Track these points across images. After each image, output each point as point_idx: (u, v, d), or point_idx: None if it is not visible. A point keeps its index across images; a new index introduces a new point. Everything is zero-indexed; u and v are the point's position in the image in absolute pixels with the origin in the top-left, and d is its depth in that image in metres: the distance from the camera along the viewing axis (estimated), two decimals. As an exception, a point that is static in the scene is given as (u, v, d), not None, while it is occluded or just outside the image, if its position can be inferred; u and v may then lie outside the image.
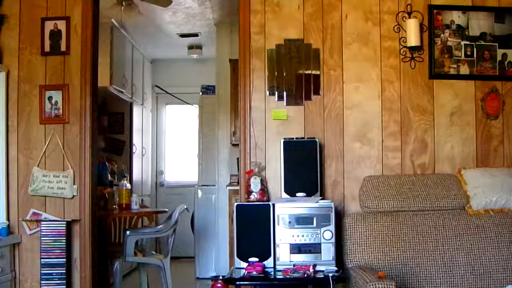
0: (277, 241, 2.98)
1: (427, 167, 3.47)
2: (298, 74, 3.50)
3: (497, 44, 3.53)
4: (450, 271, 2.97)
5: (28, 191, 3.50)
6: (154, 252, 5.12)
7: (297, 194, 3.21)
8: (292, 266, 2.81)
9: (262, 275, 2.80)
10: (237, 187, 3.61)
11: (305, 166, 3.26)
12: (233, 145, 5.62)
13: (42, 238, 3.39)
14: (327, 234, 2.96)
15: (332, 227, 2.98)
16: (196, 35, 6.59)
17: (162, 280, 4.39)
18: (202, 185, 6.05)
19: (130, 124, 6.56)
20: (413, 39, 3.43)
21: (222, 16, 5.80)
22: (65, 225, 3.40)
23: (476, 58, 3.52)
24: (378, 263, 2.99)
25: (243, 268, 2.90)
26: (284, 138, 3.30)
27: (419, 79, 3.51)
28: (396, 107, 3.49)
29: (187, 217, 6.26)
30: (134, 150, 6.59)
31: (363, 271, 2.77)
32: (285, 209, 3.01)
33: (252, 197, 3.26)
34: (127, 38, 6.24)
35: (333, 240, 2.97)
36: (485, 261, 2.99)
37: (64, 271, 3.38)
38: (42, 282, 3.37)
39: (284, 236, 2.98)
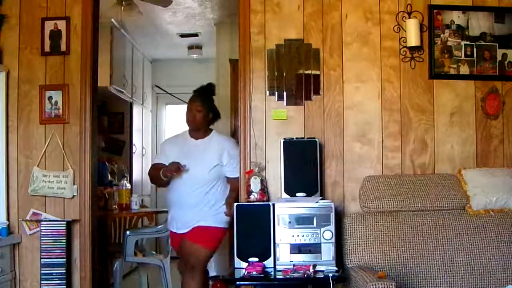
0: (277, 241, 2.98)
1: (427, 167, 3.47)
2: (298, 74, 3.50)
3: (497, 44, 3.53)
4: (450, 271, 2.97)
5: (28, 191, 3.50)
6: (154, 252, 5.12)
7: (297, 194, 3.21)
8: (292, 266, 2.81)
9: (262, 275, 2.80)
10: (237, 187, 3.62)
11: (305, 166, 3.26)
12: (233, 145, 5.61)
13: (42, 238, 3.39)
14: (327, 234, 2.96)
15: (332, 227, 2.98)
16: (196, 35, 6.59)
17: (162, 280, 4.39)
18: (202, 185, 6.03)
19: (130, 124, 6.55)
20: (413, 39, 3.43)
21: (222, 16, 5.80)
22: (65, 225, 3.40)
23: (476, 58, 3.52)
24: (378, 263, 2.99)
25: (243, 268, 2.90)
26: (284, 138, 3.30)
27: (419, 79, 3.51)
28: (396, 107, 3.49)
29: (187, 217, 6.24)
30: (134, 150, 6.59)
31: (363, 271, 2.77)
32: (285, 209, 3.01)
33: (252, 197, 3.26)
34: (127, 38, 6.24)
35: (333, 240, 2.97)
36: (485, 261, 2.99)
37: (64, 271, 3.38)
38: (42, 282, 3.37)
39: (284, 236, 2.98)
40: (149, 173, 3.75)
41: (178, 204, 3.55)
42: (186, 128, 3.77)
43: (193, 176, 3.47)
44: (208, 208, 3.49)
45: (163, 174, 3.42)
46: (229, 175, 3.60)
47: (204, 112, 3.60)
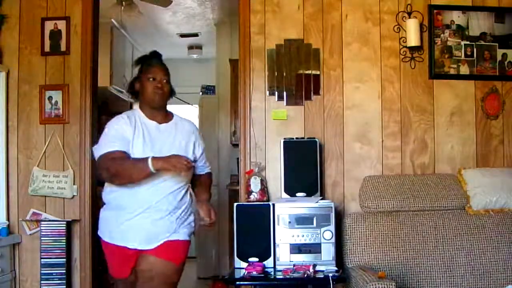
0: (277, 241, 2.98)
1: (427, 167, 3.47)
2: (298, 74, 3.50)
3: (497, 44, 3.53)
4: (450, 271, 2.97)
5: (28, 191, 3.50)
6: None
7: (297, 194, 3.21)
8: (292, 266, 2.81)
9: (262, 275, 2.80)
10: (237, 187, 3.61)
11: (305, 166, 3.26)
12: (233, 145, 5.62)
13: (42, 238, 3.39)
14: (327, 234, 2.96)
15: (332, 227, 2.98)
16: (196, 35, 6.59)
17: (162, 280, 4.37)
18: (202, 185, 6.04)
19: (130, 124, 6.53)
20: (413, 39, 3.43)
21: (222, 16, 5.80)
22: (65, 225, 3.40)
23: (476, 58, 3.52)
24: (378, 263, 2.99)
25: (243, 268, 2.90)
26: (284, 138, 3.30)
27: (419, 79, 3.51)
28: (396, 107, 3.49)
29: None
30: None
31: (363, 271, 2.77)
32: (285, 209, 3.01)
33: (252, 197, 3.26)
34: (127, 38, 6.23)
35: (333, 240, 2.97)
36: (485, 261, 2.99)
37: (64, 271, 3.38)
38: (42, 282, 3.37)
39: (284, 236, 2.98)
40: (113, 167, 2.47)
41: (142, 211, 2.49)
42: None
43: (164, 175, 2.50)
44: (179, 216, 2.57)
45: (170, 165, 2.35)
46: (200, 171, 2.80)
47: (169, 85, 2.67)
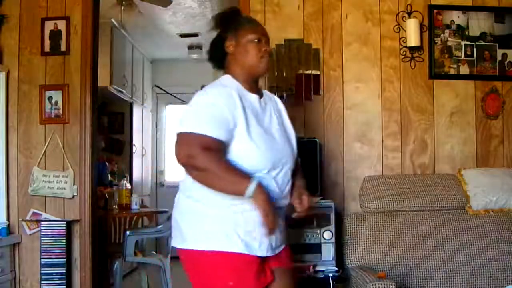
0: (277, 241, 2.97)
1: (427, 167, 3.47)
2: (298, 74, 3.50)
3: (497, 44, 3.53)
4: (450, 271, 2.97)
5: (28, 191, 3.50)
6: (154, 252, 5.12)
7: (297, 194, 3.21)
8: (292, 266, 2.80)
9: (262, 275, 2.80)
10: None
11: (305, 166, 3.24)
12: (233, 145, 5.61)
13: (42, 238, 3.39)
14: (327, 234, 2.96)
15: (332, 227, 2.97)
16: (196, 35, 6.59)
17: (162, 280, 4.38)
18: (202, 185, 6.02)
19: (130, 124, 6.55)
20: (413, 39, 3.43)
21: (222, 16, 5.79)
22: (65, 225, 3.41)
23: (476, 58, 3.52)
24: (378, 263, 2.98)
25: (243, 268, 2.89)
26: (284, 138, 3.30)
27: (419, 79, 3.51)
28: (396, 107, 3.49)
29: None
30: (134, 150, 6.59)
31: (363, 271, 2.76)
32: (285, 209, 3.00)
33: (252, 197, 3.25)
34: (127, 38, 6.24)
35: (333, 240, 2.96)
36: (485, 261, 2.99)
37: (64, 271, 3.38)
38: (42, 282, 3.37)
39: (284, 236, 2.97)
40: (205, 163, 1.81)
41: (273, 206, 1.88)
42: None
43: (283, 161, 2.00)
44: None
45: (265, 213, 1.80)
46: None
47: None
